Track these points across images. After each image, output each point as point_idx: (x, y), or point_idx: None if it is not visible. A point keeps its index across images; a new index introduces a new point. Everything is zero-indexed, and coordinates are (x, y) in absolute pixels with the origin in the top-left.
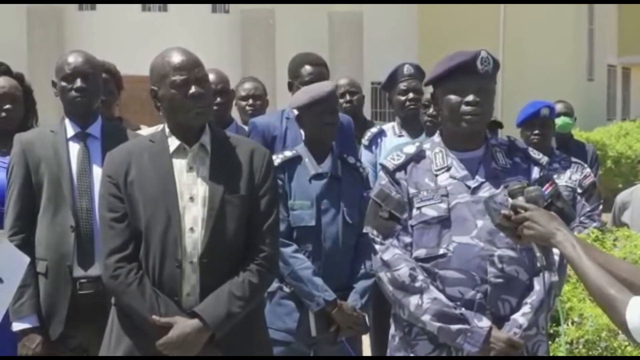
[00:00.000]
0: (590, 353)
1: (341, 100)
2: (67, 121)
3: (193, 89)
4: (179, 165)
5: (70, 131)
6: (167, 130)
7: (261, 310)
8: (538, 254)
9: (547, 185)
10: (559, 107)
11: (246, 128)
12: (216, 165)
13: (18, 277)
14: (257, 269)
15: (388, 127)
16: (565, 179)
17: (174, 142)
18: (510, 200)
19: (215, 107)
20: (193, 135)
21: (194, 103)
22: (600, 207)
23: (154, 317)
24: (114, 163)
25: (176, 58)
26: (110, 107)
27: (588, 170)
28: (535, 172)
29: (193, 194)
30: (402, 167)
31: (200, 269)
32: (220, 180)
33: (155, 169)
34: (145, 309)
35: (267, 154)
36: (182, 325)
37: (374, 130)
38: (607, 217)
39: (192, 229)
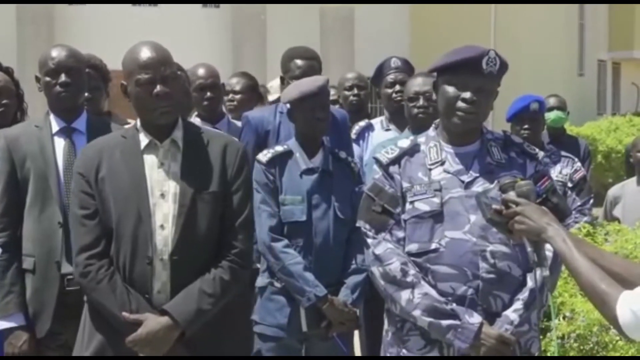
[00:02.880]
0: (581, 348)
1: (349, 93)
2: (51, 116)
3: (158, 88)
4: (150, 161)
5: (55, 126)
6: (139, 125)
7: (243, 310)
8: (529, 249)
9: (543, 180)
10: (552, 101)
11: (238, 123)
12: (188, 161)
13: None
14: (229, 266)
15: (376, 121)
16: (556, 173)
17: (145, 138)
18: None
19: (205, 102)
20: (164, 131)
21: (159, 102)
22: (591, 201)
23: (124, 313)
24: (85, 159)
25: (143, 55)
26: (98, 102)
27: (578, 164)
28: (531, 167)
29: (164, 190)
30: (395, 161)
31: (170, 266)
32: (191, 176)
33: (126, 166)
34: (115, 306)
35: (240, 148)
36: (152, 322)
37: (362, 124)
38: (598, 212)
39: (162, 226)
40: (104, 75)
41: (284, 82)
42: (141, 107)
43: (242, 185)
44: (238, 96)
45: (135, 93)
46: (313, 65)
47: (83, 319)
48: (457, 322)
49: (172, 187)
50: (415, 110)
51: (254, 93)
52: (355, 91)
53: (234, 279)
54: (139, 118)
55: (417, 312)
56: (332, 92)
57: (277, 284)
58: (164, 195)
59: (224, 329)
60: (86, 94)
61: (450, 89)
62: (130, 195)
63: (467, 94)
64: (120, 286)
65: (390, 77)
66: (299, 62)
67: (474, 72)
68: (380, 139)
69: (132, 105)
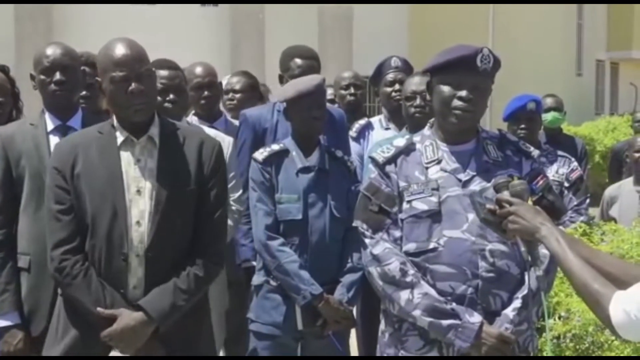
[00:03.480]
0: (577, 347)
1: (345, 92)
2: (47, 114)
3: (133, 86)
4: (127, 157)
5: (50, 124)
6: (115, 122)
7: (208, 311)
8: (523, 249)
9: (539, 178)
10: (549, 102)
11: (235, 122)
12: (164, 158)
13: None
14: (203, 263)
15: (375, 120)
16: (552, 173)
17: (121, 135)
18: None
19: (203, 101)
20: (141, 127)
21: (134, 99)
22: (588, 200)
23: (98, 309)
24: (61, 154)
25: (118, 52)
26: (96, 100)
27: (575, 164)
28: (527, 166)
29: (140, 187)
30: (392, 160)
31: (146, 262)
32: (167, 173)
33: (102, 162)
34: (90, 301)
35: (216, 145)
36: (127, 317)
37: (362, 122)
38: (594, 211)
39: (138, 223)
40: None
41: (282, 81)
42: (116, 105)
43: (217, 183)
44: (238, 95)
45: (110, 90)
46: (313, 65)
47: (56, 312)
48: (457, 321)
49: (148, 183)
50: (412, 110)
51: (254, 92)
52: (352, 90)
53: (207, 275)
54: (114, 115)
55: (417, 312)
56: (330, 91)
57: (273, 282)
58: (140, 192)
59: (194, 324)
60: (84, 92)
61: (446, 88)
62: (106, 191)
63: (463, 93)
64: (95, 281)
65: (389, 77)
66: (299, 61)
67: (469, 70)
68: (379, 138)
69: (107, 102)
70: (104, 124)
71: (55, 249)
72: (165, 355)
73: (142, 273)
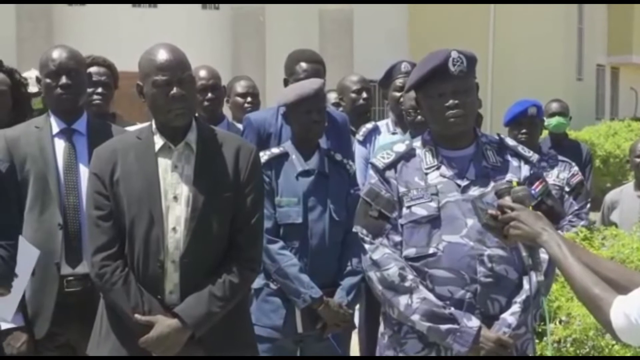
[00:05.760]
0: (577, 352)
1: (357, 96)
2: (52, 117)
3: (174, 90)
4: (164, 164)
5: (56, 127)
6: (153, 127)
7: (247, 310)
8: (524, 254)
9: (537, 183)
10: (554, 107)
11: (238, 125)
12: (201, 164)
13: (29, 270)
14: (239, 269)
15: (382, 124)
16: (553, 178)
17: (159, 140)
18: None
19: (206, 103)
20: (179, 133)
21: (175, 104)
22: (588, 205)
23: (136, 315)
24: (100, 161)
25: (161, 57)
26: (108, 100)
27: (576, 168)
28: (526, 170)
29: (177, 193)
30: (391, 165)
31: (181, 268)
32: (204, 180)
33: (140, 168)
34: (129, 308)
35: (253, 151)
36: (162, 325)
37: (369, 126)
38: (595, 216)
39: (174, 229)
40: (115, 78)
41: (287, 85)
42: (157, 109)
43: (254, 189)
44: (255, 99)
45: (152, 94)
46: (319, 69)
47: (99, 317)
48: (455, 326)
49: (185, 190)
50: (414, 125)
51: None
52: (365, 95)
53: (243, 282)
54: (154, 119)
55: (415, 317)
56: (334, 95)
57: (273, 286)
58: (176, 199)
59: (235, 331)
60: (100, 89)
61: (431, 101)
62: (143, 197)
63: (448, 101)
64: (134, 288)
65: (399, 82)
66: (304, 65)
67: (445, 77)
68: (386, 142)
69: (147, 106)
70: (142, 129)
71: (95, 255)
72: (203, 355)
73: (177, 279)
